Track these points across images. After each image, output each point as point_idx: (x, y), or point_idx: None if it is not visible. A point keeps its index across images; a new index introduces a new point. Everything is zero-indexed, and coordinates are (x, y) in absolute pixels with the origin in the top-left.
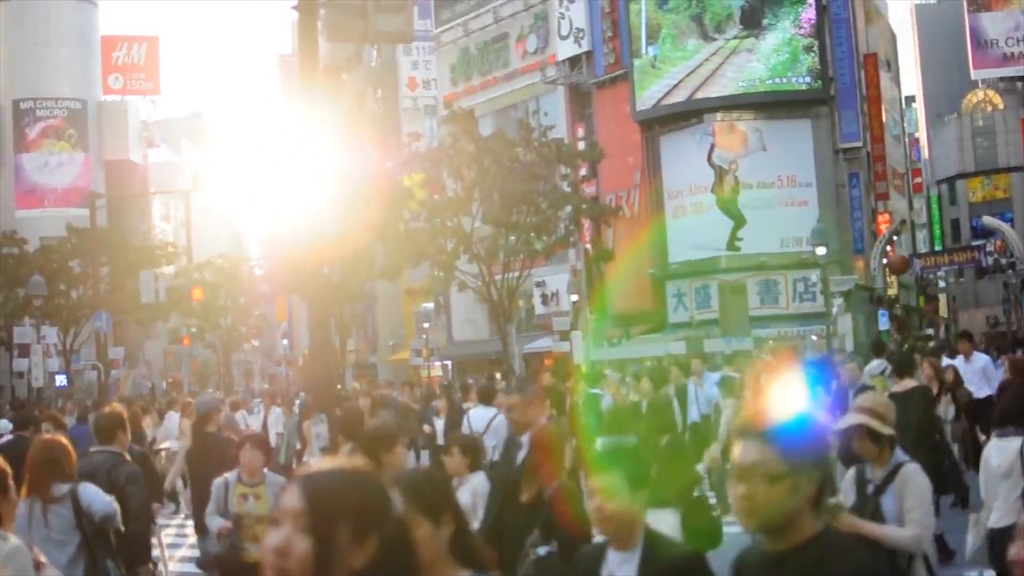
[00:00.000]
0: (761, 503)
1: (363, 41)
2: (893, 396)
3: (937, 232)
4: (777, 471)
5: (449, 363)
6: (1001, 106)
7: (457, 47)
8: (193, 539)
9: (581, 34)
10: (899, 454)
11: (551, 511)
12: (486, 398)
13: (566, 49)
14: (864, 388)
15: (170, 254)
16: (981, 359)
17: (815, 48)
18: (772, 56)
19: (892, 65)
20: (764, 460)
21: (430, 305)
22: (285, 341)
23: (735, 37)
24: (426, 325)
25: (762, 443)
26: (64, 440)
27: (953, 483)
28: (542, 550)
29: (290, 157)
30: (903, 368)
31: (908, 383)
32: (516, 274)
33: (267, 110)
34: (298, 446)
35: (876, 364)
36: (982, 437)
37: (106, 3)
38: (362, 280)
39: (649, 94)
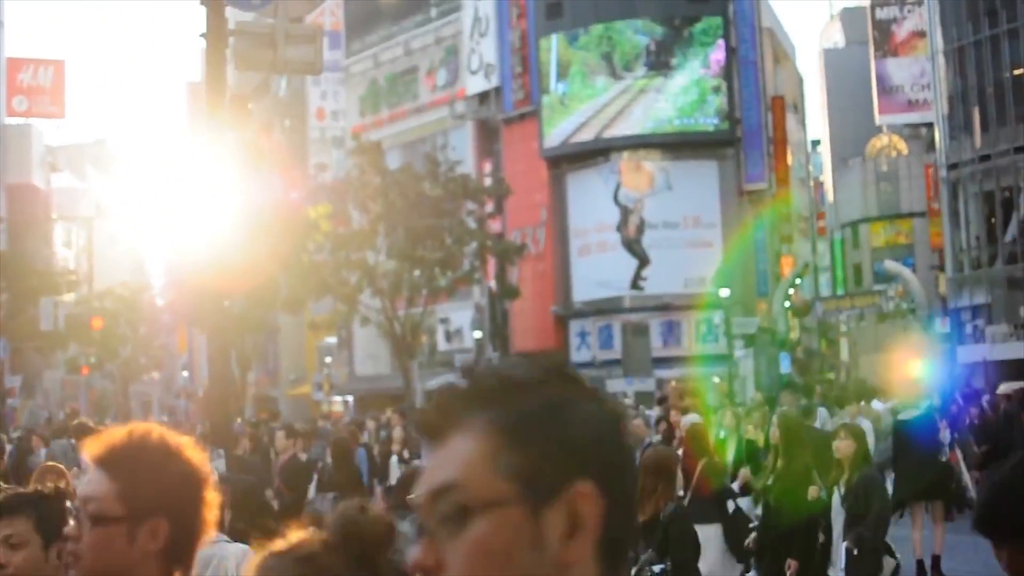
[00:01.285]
0: None
1: (272, 71)
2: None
3: (840, 276)
4: None
5: (351, 398)
6: (905, 151)
7: (367, 79)
8: None
9: (491, 69)
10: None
11: (667, 532)
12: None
13: (475, 84)
14: (649, 445)
15: (71, 282)
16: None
17: (723, 89)
18: (680, 96)
19: (799, 108)
20: None
21: (333, 339)
22: (185, 373)
23: (644, 76)
24: (328, 359)
25: None
26: None
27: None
28: (657, 568)
29: (195, 186)
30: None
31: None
32: (419, 309)
33: (174, 138)
34: None
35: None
36: None
37: (12, 25)
38: (264, 311)
39: (557, 131)
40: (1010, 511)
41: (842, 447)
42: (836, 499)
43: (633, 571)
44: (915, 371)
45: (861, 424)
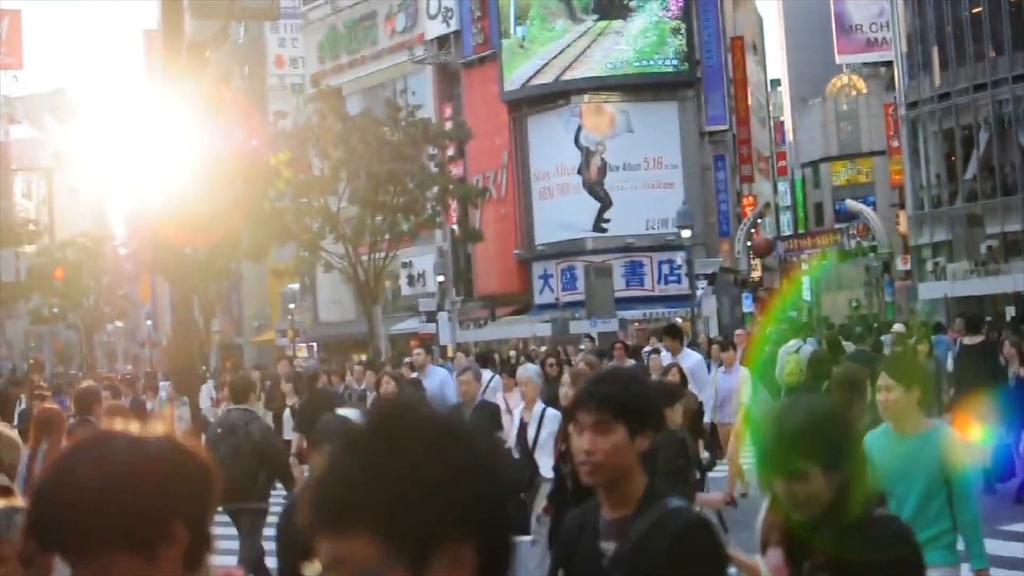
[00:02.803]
0: None
1: (228, 18)
2: (966, 348)
3: (801, 215)
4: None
5: (315, 344)
6: (865, 91)
7: (325, 25)
8: None
9: (449, 14)
10: None
11: None
12: (239, 396)
13: (434, 29)
14: (485, 404)
15: (31, 232)
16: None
17: (682, 31)
18: (640, 38)
19: (758, 49)
20: None
21: (296, 286)
22: (149, 322)
23: (603, 19)
24: (292, 306)
25: None
26: None
27: None
28: None
29: (154, 135)
30: (972, 324)
31: (977, 337)
32: (382, 255)
33: (132, 87)
34: None
35: (793, 343)
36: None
37: None
38: (227, 259)
39: (517, 75)
40: None
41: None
42: None
43: None
44: None
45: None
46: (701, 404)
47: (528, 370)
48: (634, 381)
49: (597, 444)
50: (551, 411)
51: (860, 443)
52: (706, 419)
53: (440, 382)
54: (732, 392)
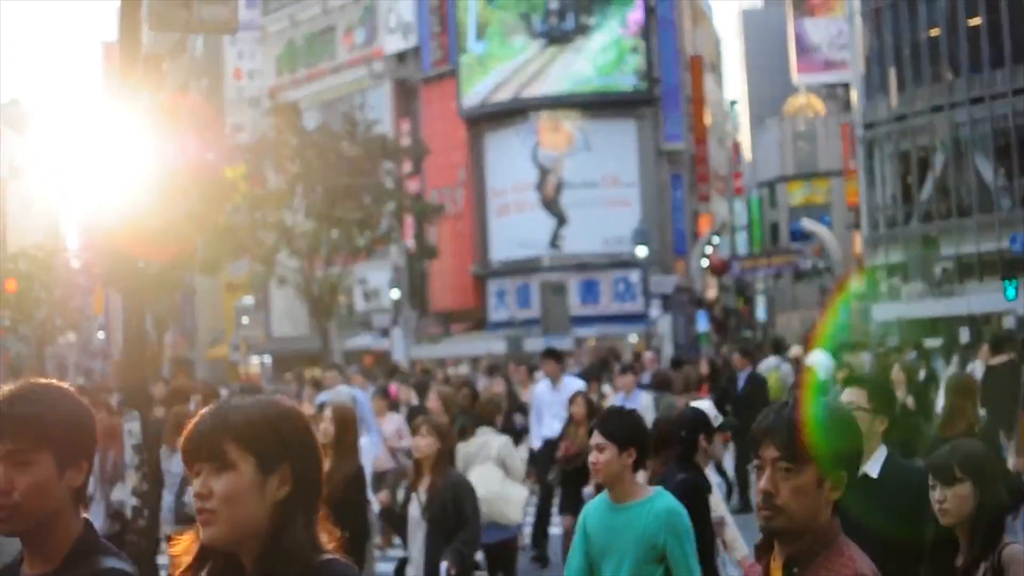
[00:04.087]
0: None
1: (186, 31)
2: (990, 368)
3: (757, 235)
4: None
5: (268, 359)
6: (822, 111)
7: (284, 38)
8: None
9: (409, 29)
10: None
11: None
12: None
13: (393, 43)
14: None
15: None
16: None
17: (641, 49)
18: (599, 56)
19: (717, 68)
20: None
21: (250, 300)
22: (102, 334)
23: (563, 36)
24: (245, 320)
25: None
26: None
27: None
28: None
29: (110, 147)
30: (999, 343)
31: (1002, 357)
32: (337, 269)
33: (89, 98)
34: None
35: (772, 360)
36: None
37: None
38: (181, 273)
39: (475, 91)
40: None
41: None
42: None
43: None
44: None
45: None
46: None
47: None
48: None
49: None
50: (364, 441)
51: None
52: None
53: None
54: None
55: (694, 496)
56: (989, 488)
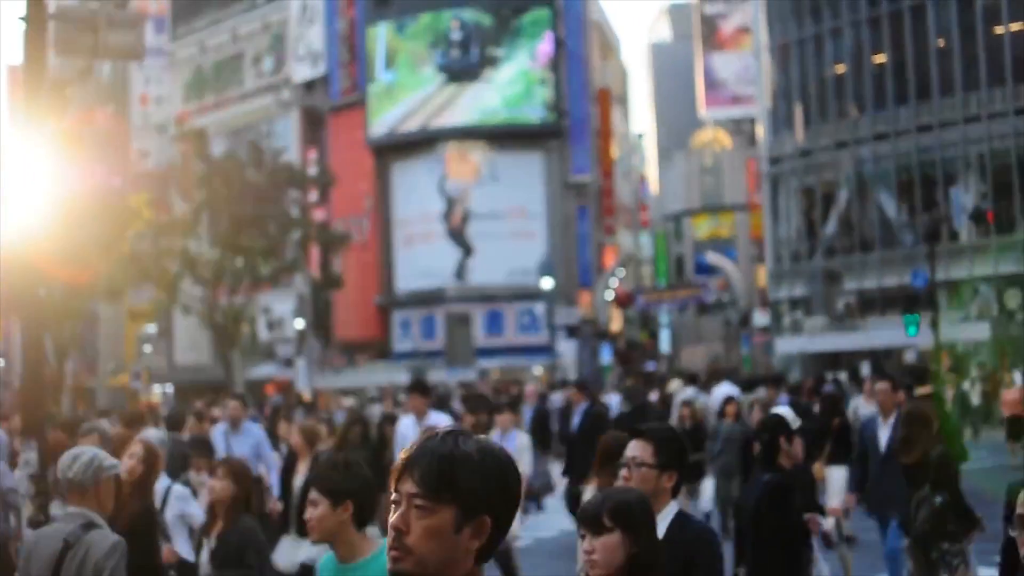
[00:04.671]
0: None
1: (92, 56)
2: (919, 398)
3: (662, 268)
4: None
5: (170, 388)
6: (728, 145)
7: (192, 64)
8: None
9: (318, 57)
10: None
11: (938, 470)
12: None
13: (302, 72)
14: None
15: None
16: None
17: (550, 81)
18: (507, 87)
19: (625, 101)
20: None
21: (152, 328)
22: (1, 362)
23: (472, 67)
24: (147, 348)
25: None
26: None
27: None
28: (938, 498)
29: (12, 172)
30: (922, 375)
31: (925, 389)
32: (241, 299)
33: None
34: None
35: (690, 392)
36: None
37: None
38: (83, 299)
39: (383, 120)
40: None
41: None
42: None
43: (914, 502)
44: None
45: None
46: None
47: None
48: None
49: None
50: (179, 488)
51: None
52: None
53: (256, 443)
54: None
55: (779, 495)
56: (641, 538)
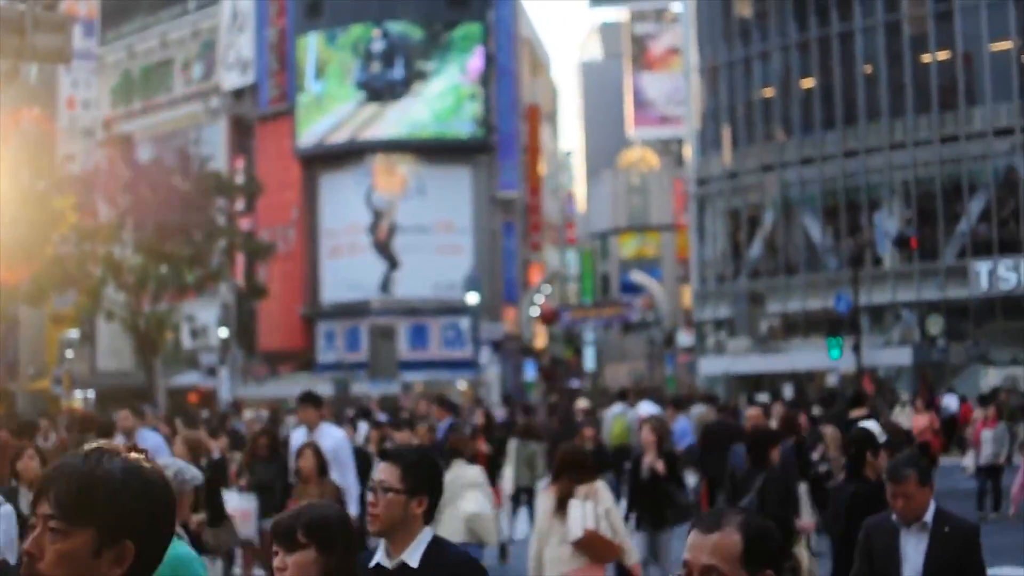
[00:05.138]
0: None
1: (19, 58)
2: (850, 422)
3: (588, 285)
4: None
5: (92, 394)
6: (656, 165)
7: (120, 69)
8: None
9: (247, 65)
10: None
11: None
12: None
13: (231, 80)
14: None
15: None
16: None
17: (479, 96)
18: (436, 101)
19: (554, 118)
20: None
21: (75, 333)
22: None
23: (402, 80)
24: (69, 353)
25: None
26: None
27: None
28: None
29: None
30: (859, 398)
31: (861, 411)
32: (165, 306)
33: None
34: None
35: (617, 407)
36: None
37: None
38: (4, 303)
39: (311, 131)
40: None
41: None
42: None
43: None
44: None
45: None
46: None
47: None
48: None
49: None
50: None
51: None
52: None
53: (151, 451)
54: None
55: (863, 505)
56: (336, 556)
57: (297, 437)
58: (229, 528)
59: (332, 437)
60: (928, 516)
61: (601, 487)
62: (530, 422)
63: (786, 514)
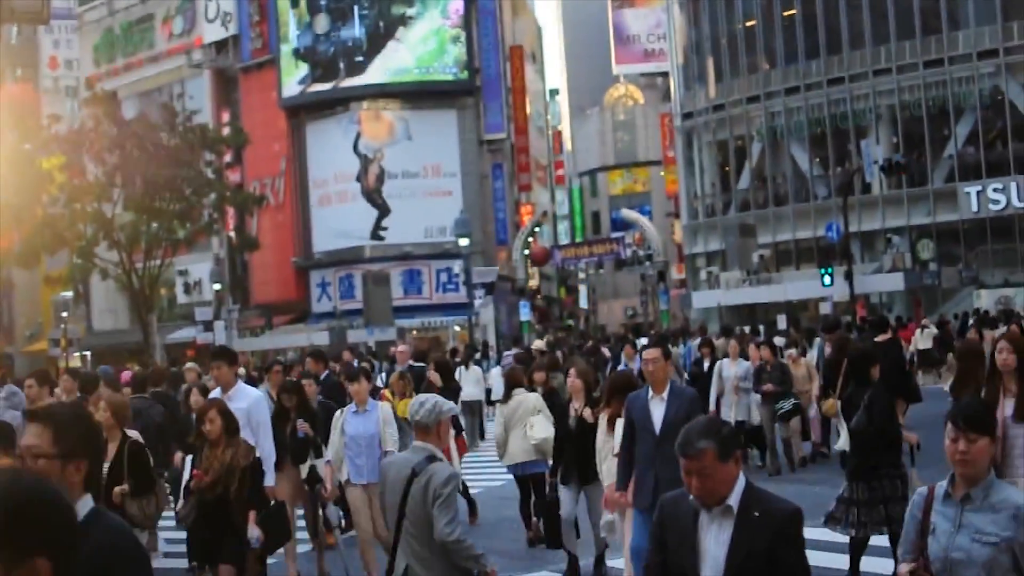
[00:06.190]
0: None
1: None
2: (877, 344)
3: (578, 224)
4: None
5: (88, 354)
6: (641, 101)
7: (101, 27)
8: None
9: (228, 18)
10: None
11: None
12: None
13: (213, 33)
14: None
15: None
16: None
17: (462, 39)
18: (419, 46)
19: (537, 58)
20: None
21: (69, 294)
22: None
23: (384, 26)
24: (64, 314)
25: None
26: None
27: None
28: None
29: None
30: (881, 323)
31: (885, 335)
32: (158, 262)
33: None
34: None
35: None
36: None
37: None
38: None
39: (296, 81)
40: None
41: None
42: None
43: None
44: None
45: None
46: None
47: None
48: None
49: None
50: None
51: None
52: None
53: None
54: (366, 439)
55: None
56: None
57: (213, 398)
58: (160, 499)
59: (248, 397)
60: (733, 498)
61: None
62: (552, 357)
63: (893, 427)
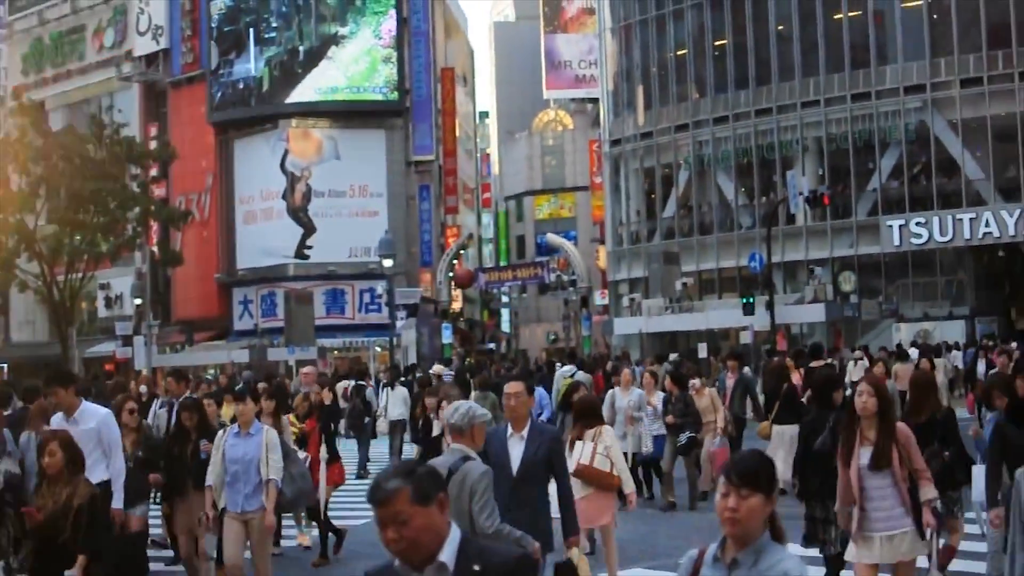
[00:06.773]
0: None
1: None
2: (809, 370)
3: (503, 247)
4: None
5: (4, 366)
6: (571, 126)
7: (31, 36)
8: None
9: (160, 31)
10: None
11: (945, 427)
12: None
13: (143, 46)
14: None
15: None
16: None
17: (394, 59)
18: (351, 65)
19: (468, 81)
20: None
21: None
22: None
23: (315, 44)
24: None
25: None
26: None
27: None
28: (947, 452)
29: None
30: (816, 350)
31: (819, 362)
32: (80, 275)
33: None
34: None
35: (567, 368)
36: None
37: None
38: None
39: (225, 97)
40: None
41: None
42: None
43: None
44: None
45: None
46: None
47: None
48: None
49: None
50: None
51: None
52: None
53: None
54: (243, 464)
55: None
56: None
57: (56, 422)
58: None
59: (96, 415)
60: (446, 554)
61: (606, 430)
62: (484, 376)
63: None
